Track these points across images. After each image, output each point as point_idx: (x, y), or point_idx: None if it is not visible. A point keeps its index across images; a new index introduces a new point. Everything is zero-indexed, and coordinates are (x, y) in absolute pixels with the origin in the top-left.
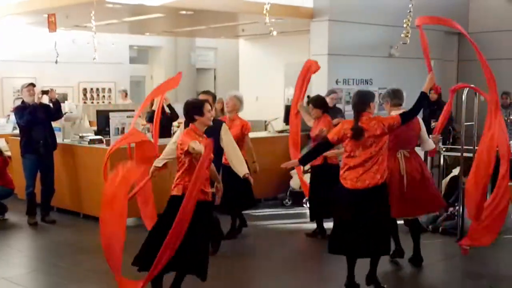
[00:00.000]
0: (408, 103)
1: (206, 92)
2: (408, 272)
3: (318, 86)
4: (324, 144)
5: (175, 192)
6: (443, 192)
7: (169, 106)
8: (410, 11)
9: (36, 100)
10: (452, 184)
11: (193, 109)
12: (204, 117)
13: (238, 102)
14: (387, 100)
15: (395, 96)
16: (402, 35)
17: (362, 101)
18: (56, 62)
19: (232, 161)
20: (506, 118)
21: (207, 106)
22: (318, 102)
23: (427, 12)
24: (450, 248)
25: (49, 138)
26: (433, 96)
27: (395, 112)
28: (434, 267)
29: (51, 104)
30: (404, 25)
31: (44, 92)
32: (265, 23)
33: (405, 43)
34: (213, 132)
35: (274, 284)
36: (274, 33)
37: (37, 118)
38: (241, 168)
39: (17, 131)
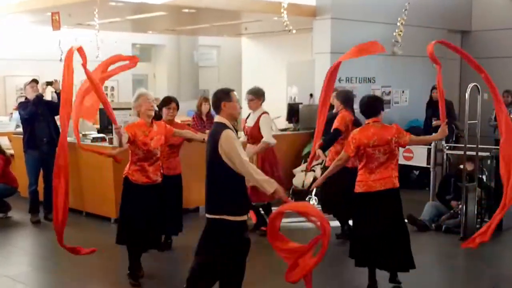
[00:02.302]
0: (410, 101)
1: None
2: (410, 271)
3: (321, 84)
4: (337, 133)
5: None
6: (437, 191)
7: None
8: (405, 10)
9: (40, 91)
10: (445, 181)
11: (381, 104)
12: (381, 115)
13: None
14: (256, 97)
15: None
16: (395, 33)
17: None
18: (61, 60)
19: None
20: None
21: None
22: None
23: (430, 10)
24: (453, 247)
25: (54, 134)
26: (435, 95)
27: (260, 110)
28: (436, 266)
29: (54, 99)
30: (398, 24)
31: (49, 83)
32: (283, 21)
33: (397, 41)
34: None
35: (277, 283)
36: (294, 31)
37: (40, 112)
38: None
39: (20, 129)
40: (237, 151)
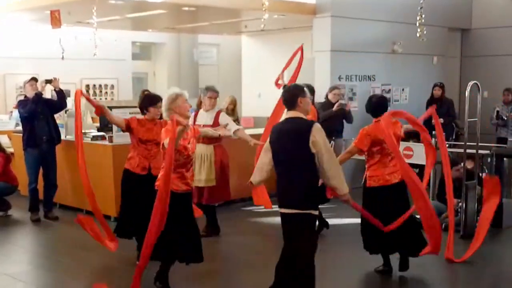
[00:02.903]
0: (410, 99)
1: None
2: (410, 269)
3: (321, 82)
4: None
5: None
6: (437, 190)
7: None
8: (421, 7)
9: (40, 89)
10: (444, 180)
11: (387, 102)
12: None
13: None
14: (218, 95)
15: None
16: (418, 34)
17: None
18: (63, 58)
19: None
20: (508, 115)
21: None
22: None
23: (430, 8)
24: (453, 245)
25: (53, 132)
26: (437, 93)
27: (216, 108)
28: (436, 265)
29: (53, 97)
30: (417, 23)
31: (48, 81)
32: (263, 19)
33: (423, 39)
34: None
35: None
36: (263, 25)
37: (40, 110)
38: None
39: (19, 128)
40: (329, 145)
